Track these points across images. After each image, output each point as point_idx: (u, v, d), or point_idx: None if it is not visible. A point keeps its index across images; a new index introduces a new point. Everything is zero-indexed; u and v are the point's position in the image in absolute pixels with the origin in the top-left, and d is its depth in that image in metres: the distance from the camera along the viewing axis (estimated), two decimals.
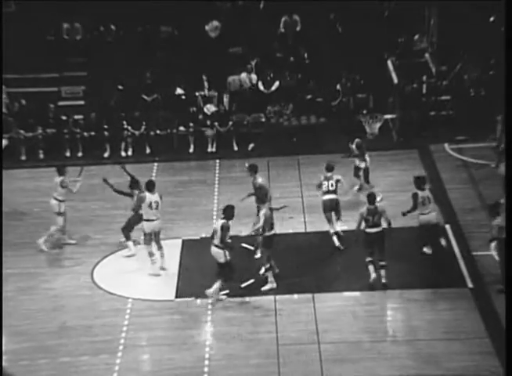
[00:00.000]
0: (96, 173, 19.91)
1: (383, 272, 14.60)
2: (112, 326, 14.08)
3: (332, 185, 15.80)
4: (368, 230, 14.55)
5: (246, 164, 16.13)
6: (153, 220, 15.13)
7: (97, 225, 17.18)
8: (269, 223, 14.58)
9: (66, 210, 16.40)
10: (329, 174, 15.92)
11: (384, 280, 14.61)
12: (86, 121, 21.20)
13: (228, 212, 14.19)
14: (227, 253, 14.18)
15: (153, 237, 15.34)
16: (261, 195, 15.15)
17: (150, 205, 15.06)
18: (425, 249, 15.49)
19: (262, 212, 14.63)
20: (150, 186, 15.26)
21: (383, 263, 14.60)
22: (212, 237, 14.33)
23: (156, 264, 15.42)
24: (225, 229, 14.02)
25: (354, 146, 17.81)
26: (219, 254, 14.25)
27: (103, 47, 22.48)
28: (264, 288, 14.66)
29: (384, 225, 14.59)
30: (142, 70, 21.84)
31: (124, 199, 18.38)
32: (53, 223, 16.29)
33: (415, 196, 15.29)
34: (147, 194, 15.14)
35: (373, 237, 14.53)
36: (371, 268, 14.62)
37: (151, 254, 15.38)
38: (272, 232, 14.68)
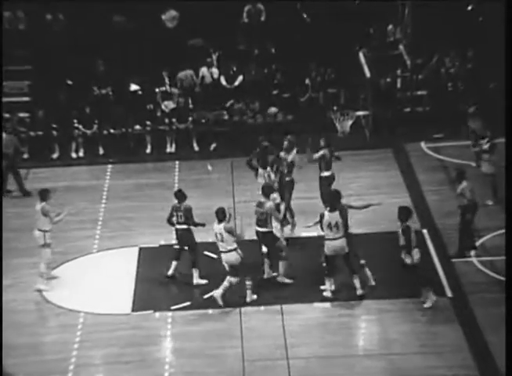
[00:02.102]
0: (44, 176, 19.88)
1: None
2: (62, 343, 13.98)
3: None
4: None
5: (209, 167, 16.16)
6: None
7: None
8: None
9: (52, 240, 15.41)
10: None
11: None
12: (32, 120, 21.06)
13: (336, 202, 14.71)
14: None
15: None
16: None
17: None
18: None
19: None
20: None
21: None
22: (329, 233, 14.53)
23: None
24: (345, 217, 14.58)
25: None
26: (345, 244, 14.45)
27: (50, 38, 22.30)
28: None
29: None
30: (93, 64, 21.75)
31: (76, 204, 18.41)
32: (39, 257, 15.33)
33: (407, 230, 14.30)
34: None
35: None
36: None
37: None
38: None
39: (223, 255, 14.58)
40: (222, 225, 14.42)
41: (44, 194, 15.43)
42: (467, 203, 15.53)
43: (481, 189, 16.77)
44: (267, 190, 15.20)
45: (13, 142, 19.08)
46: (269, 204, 15.02)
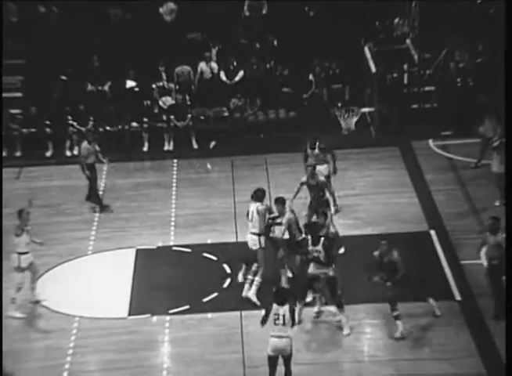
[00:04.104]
0: (37, 175, 19.87)
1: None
2: (56, 348, 13.97)
3: None
4: None
5: (209, 165, 16.11)
6: None
7: (39, 235, 16.98)
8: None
9: (33, 262, 14.95)
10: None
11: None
12: (25, 116, 21.04)
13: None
14: None
15: None
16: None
17: None
18: None
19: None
20: None
21: None
22: None
23: None
24: None
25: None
26: None
27: (44, 31, 22.27)
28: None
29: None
30: (88, 58, 21.76)
31: (69, 203, 18.40)
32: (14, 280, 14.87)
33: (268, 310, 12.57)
34: None
35: None
36: None
37: None
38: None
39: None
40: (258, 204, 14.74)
41: (20, 213, 14.86)
42: (500, 255, 13.83)
43: (490, 190, 16.79)
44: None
45: (94, 151, 18.12)
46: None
